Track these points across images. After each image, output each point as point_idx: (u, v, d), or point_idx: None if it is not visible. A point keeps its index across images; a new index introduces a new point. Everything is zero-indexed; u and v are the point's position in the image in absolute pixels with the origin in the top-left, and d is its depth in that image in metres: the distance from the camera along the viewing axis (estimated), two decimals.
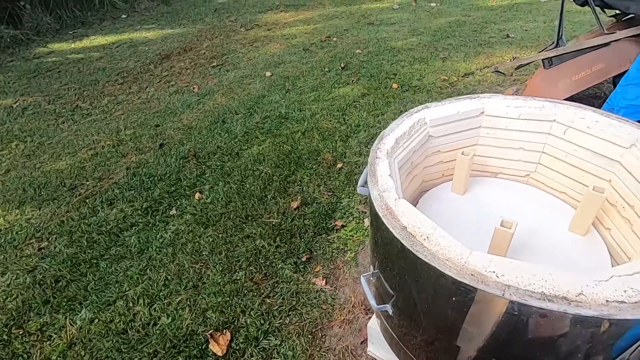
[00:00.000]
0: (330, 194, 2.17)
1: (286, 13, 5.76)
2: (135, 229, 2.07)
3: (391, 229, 0.76)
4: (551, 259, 1.00)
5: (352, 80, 3.41)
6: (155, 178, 2.45)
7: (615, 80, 2.25)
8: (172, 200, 2.24)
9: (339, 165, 2.38)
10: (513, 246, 0.98)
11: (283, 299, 1.63)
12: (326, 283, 1.69)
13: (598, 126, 1.00)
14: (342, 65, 3.70)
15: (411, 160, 1.11)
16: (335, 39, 4.48)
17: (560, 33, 2.44)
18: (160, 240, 1.97)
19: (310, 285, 1.69)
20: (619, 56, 2.15)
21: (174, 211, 2.16)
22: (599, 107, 2.28)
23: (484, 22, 4.41)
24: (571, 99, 2.31)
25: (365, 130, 2.69)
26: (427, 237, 0.73)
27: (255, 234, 1.96)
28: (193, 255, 1.87)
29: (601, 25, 2.26)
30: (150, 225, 2.09)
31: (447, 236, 0.73)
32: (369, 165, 0.95)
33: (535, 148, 1.17)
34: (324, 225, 1.98)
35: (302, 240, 1.90)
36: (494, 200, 1.20)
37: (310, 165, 2.41)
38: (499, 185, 1.26)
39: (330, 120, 2.86)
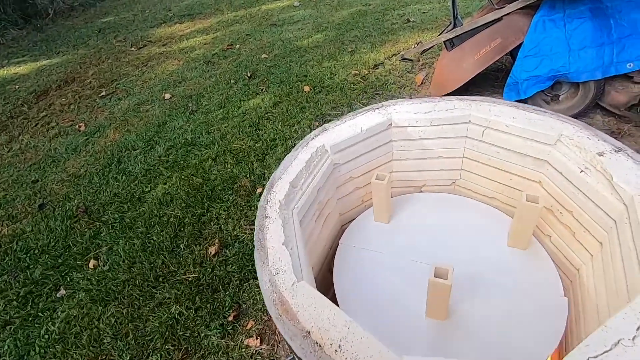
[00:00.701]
0: (252, 227, 1.90)
1: (181, 24, 5.28)
2: (11, 328, 1.61)
3: (289, 341, 0.52)
4: (497, 290, 0.84)
5: (262, 89, 3.14)
6: (36, 252, 1.97)
7: (514, 53, 2.26)
8: (59, 278, 1.80)
9: (259, 190, 2.11)
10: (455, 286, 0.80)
11: None
12: (261, 342, 1.43)
13: (517, 123, 0.86)
14: (249, 74, 3.41)
15: (318, 200, 0.88)
16: (238, 46, 4.16)
17: (455, 13, 2.42)
18: (46, 337, 1.55)
19: (243, 350, 1.41)
20: (512, 29, 2.15)
21: (62, 291, 1.73)
22: (504, 79, 2.29)
23: (384, 10, 4.39)
24: (477, 75, 2.29)
25: (283, 144, 2.44)
26: (339, 347, 0.50)
27: (169, 298, 1.62)
28: (91, 348, 1.48)
29: (490, 1, 2.25)
30: (31, 318, 1.64)
31: (366, 338, 0.51)
32: (256, 231, 0.70)
33: (455, 154, 1.02)
34: (249, 268, 1.70)
35: (227, 293, 1.61)
36: (422, 222, 1.03)
37: (226, 196, 2.11)
38: (424, 201, 1.09)
39: (243, 139, 2.57)
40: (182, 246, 1.86)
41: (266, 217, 0.72)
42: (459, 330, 0.78)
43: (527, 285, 0.84)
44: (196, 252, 1.81)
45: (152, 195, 2.22)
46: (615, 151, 0.73)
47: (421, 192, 1.14)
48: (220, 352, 1.41)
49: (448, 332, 0.78)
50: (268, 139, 2.51)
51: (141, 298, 1.64)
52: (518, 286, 0.84)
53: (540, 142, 0.84)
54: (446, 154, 1.02)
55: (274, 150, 2.42)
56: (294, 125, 2.61)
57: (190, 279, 1.69)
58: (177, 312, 1.56)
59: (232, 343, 1.44)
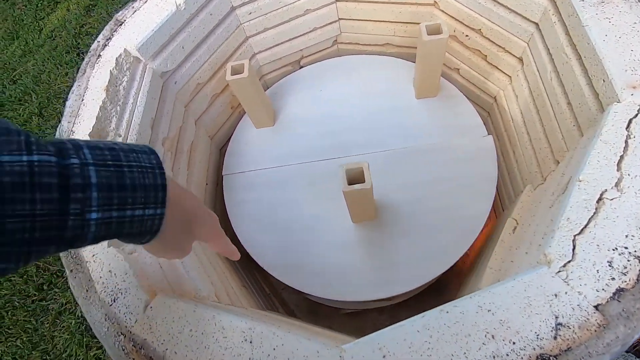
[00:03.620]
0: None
1: None
2: None
3: None
4: (419, 159, 0.70)
5: None
6: None
7: None
8: None
9: None
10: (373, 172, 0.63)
11: None
12: None
13: None
14: None
15: (160, 139, 0.59)
16: None
17: None
18: None
19: None
20: None
21: None
22: None
23: None
24: None
25: None
26: None
27: None
28: None
29: None
30: None
31: (281, 345, 0.32)
32: None
33: (324, 0, 0.74)
34: None
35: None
36: (314, 107, 0.80)
37: None
38: (308, 78, 0.84)
39: (67, 74, 1.91)
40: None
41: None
42: (394, 222, 0.65)
43: (448, 138, 0.71)
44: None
45: None
46: None
47: (301, 67, 0.87)
48: None
49: (381, 230, 0.65)
50: None
51: None
52: (439, 144, 0.70)
53: None
54: (313, 4, 0.73)
55: None
56: None
57: None
58: None
59: None
